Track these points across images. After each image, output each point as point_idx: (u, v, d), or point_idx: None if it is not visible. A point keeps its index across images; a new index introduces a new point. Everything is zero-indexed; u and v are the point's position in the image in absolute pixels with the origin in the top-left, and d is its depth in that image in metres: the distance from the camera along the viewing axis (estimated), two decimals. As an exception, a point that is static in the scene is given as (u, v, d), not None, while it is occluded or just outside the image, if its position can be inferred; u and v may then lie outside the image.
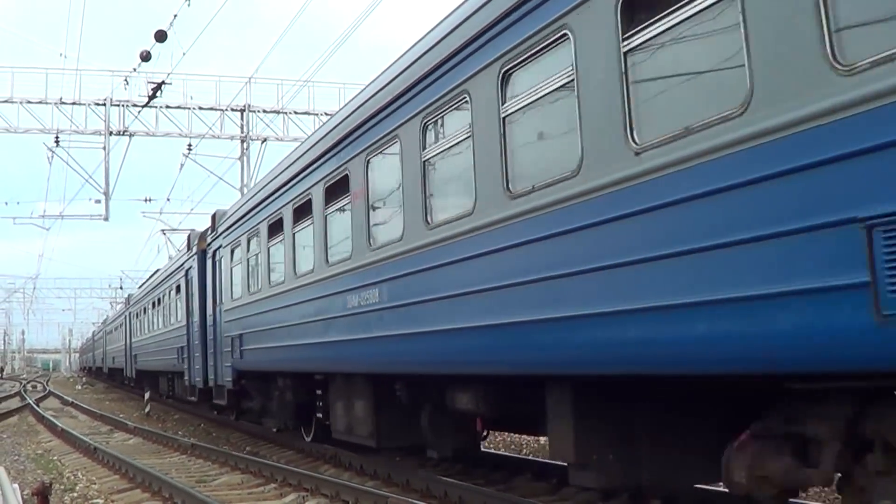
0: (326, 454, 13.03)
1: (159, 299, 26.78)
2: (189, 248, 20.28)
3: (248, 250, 14.21)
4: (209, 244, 17.76)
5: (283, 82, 31.77)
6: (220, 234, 16.55)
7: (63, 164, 30.82)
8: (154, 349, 27.60)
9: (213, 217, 17.61)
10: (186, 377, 20.29)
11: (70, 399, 35.34)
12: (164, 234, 37.71)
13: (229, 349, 15.05)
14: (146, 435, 18.93)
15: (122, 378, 43.54)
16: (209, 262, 17.62)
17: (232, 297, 15.30)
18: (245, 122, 31.72)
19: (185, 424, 22.40)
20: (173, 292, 23.35)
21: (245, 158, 31.78)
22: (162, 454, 15.67)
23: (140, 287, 37.37)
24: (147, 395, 28.04)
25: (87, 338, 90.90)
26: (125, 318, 39.95)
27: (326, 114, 27.88)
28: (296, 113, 31.61)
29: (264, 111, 31.83)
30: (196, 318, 18.66)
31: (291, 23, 33.63)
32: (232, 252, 15.53)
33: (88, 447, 15.88)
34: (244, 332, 14.07)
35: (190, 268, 19.90)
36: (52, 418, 23.31)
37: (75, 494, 11.07)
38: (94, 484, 11.93)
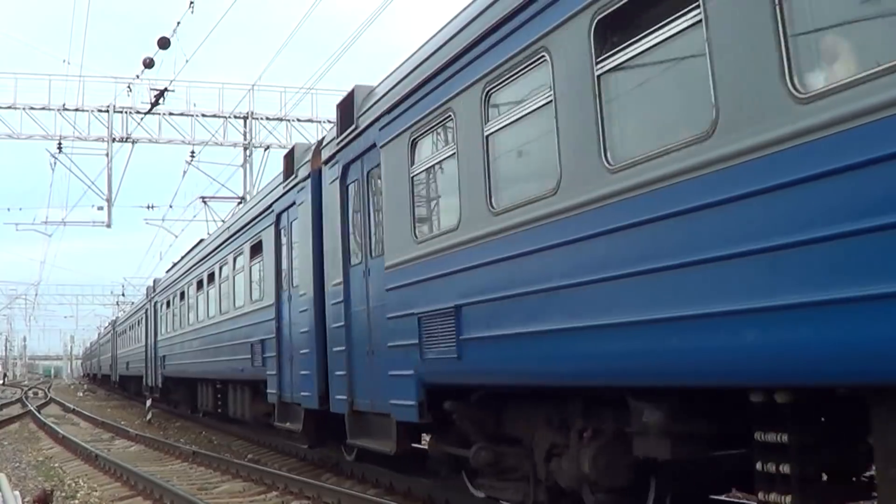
0: (328, 462, 12.99)
1: (211, 275, 18.78)
2: (290, 173, 12.36)
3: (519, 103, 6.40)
4: (332, 158, 10.38)
5: (287, 90, 31.97)
6: (370, 124, 9.02)
7: (66, 171, 31.02)
8: (199, 347, 19.61)
9: (349, 101, 9.75)
10: (273, 390, 12.89)
11: (71, 406, 35.31)
12: (204, 201, 30.49)
13: (402, 343, 8.04)
14: (148, 442, 18.89)
15: (140, 388, 32.88)
16: (330, 189, 10.45)
17: (416, 235, 7.96)
18: (248, 130, 31.82)
19: (187, 432, 22.37)
20: (243, 258, 15.65)
21: (248, 166, 31.87)
22: (164, 461, 15.64)
23: (170, 269, 28.02)
24: (149, 403, 27.85)
25: (93, 341, 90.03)
26: (146, 311, 31.38)
27: (329, 121, 27.87)
28: (299, 120, 31.69)
29: (267, 118, 31.94)
30: (304, 290, 11.42)
31: (295, 30, 33.84)
32: (412, 144, 8.04)
33: (90, 454, 15.85)
34: (466, 302, 6.95)
35: (289, 207, 12.39)
36: (53, 425, 23.29)
37: (76, 502, 11.05)
38: (96, 491, 11.91)
